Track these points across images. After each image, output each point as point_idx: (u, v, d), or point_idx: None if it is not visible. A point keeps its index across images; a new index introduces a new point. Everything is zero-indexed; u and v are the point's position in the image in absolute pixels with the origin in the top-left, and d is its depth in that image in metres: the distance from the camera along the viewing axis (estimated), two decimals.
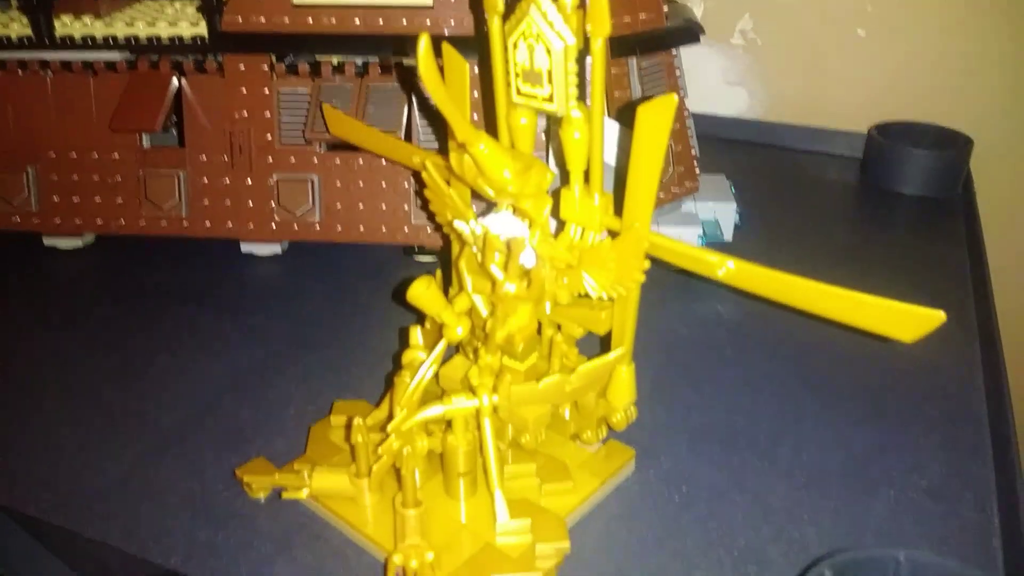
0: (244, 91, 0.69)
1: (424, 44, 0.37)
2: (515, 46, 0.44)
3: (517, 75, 0.45)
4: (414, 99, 0.68)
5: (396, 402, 0.46)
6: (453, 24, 0.66)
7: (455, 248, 0.52)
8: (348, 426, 0.50)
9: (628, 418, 0.50)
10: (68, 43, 0.69)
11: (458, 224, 0.47)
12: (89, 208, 0.72)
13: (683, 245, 0.43)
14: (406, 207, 0.71)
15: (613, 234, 0.44)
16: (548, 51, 0.42)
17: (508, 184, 0.43)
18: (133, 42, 0.69)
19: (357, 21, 0.66)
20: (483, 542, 0.45)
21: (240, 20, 0.67)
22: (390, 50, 0.67)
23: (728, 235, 0.77)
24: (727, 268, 0.42)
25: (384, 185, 0.70)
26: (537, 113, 0.46)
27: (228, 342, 0.65)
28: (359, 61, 0.69)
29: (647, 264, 0.43)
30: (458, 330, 0.48)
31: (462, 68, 0.49)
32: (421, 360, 0.48)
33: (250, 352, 0.64)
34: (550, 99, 0.44)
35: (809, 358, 0.63)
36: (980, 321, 0.68)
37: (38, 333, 0.66)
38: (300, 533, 0.47)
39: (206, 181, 0.71)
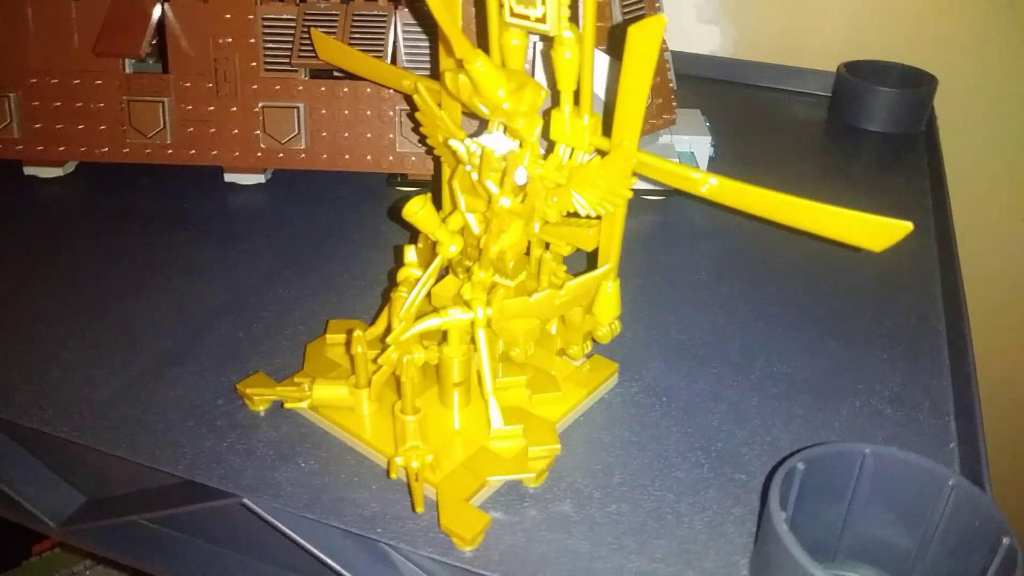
0: (228, 16, 0.68)
1: None
2: None
3: None
4: (398, 24, 0.69)
5: (394, 316, 0.48)
6: None
7: (446, 169, 0.54)
8: (347, 342, 0.52)
9: (612, 332, 0.52)
10: None
11: (452, 143, 0.49)
12: (72, 135, 0.72)
13: (669, 163, 0.46)
14: (391, 135, 0.72)
15: (601, 154, 0.46)
16: None
17: (503, 102, 0.44)
18: None
19: None
20: (478, 446, 0.47)
21: None
22: None
23: (703, 168, 0.79)
24: (710, 184, 0.44)
25: (369, 113, 0.71)
26: (528, 34, 0.48)
27: (219, 267, 0.66)
28: None
29: (634, 181, 0.45)
30: (451, 248, 0.50)
31: None
32: (416, 277, 0.50)
33: (242, 276, 0.65)
34: (543, 19, 0.45)
35: (780, 280, 0.67)
36: (939, 242, 0.72)
37: (25, 261, 0.67)
38: (302, 442, 0.50)
39: (190, 108, 0.71)
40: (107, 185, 0.77)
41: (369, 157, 0.72)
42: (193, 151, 0.72)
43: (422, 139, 0.54)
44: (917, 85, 0.95)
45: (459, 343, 0.48)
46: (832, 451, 0.42)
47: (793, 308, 0.63)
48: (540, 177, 0.46)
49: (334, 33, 0.67)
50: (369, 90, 0.71)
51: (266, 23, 0.69)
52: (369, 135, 0.72)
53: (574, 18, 0.45)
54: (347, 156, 0.72)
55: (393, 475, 0.46)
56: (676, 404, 0.53)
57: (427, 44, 0.69)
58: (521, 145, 0.47)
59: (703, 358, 0.58)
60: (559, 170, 0.46)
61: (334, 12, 0.67)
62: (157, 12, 0.68)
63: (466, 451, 0.47)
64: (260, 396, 0.51)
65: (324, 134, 0.72)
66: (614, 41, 0.71)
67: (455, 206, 0.50)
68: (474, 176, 0.48)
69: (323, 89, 0.71)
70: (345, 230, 0.72)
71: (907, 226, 0.40)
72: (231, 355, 0.57)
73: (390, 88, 0.69)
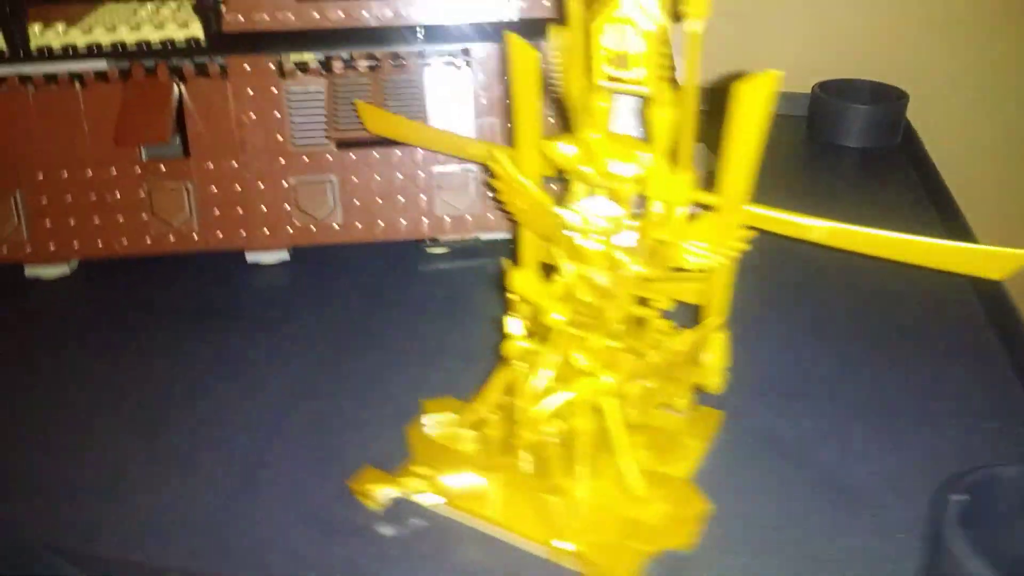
0: (250, 92, 0.66)
1: None
2: (601, 30, 0.45)
3: (603, 59, 0.46)
4: (427, 89, 0.68)
5: (519, 394, 0.46)
6: (463, 11, 0.66)
7: (525, 233, 0.53)
8: (461, 423, 0.51)
9: (724, 381, 0.52)
10: (47, 54, 0.64)
11: (560, 211, 0.48)
12: (87, 231, 0.68)
13: (780, 213, 0.46)
14: (424, 199, 0.70)
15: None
16: (641, 34, 0.44)
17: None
18: (120, 49, 0.65)
19: (366, 14, 0.65)
20: (622, 518, 0.46)
21: (242, 19, 0.64)
22: (405, 40, 0.65)
23: None
24: (822, 230, 0.45)
25: (400, 177, 0.69)
26: (612, 95, 0.48)
27: (270, 356, 0.62)
28: (375, 54, 0.68)
29: (749, 234, 0.46)
30: (554, 315, 0.49)
31: (532, 57, 0.49)
32: (526, 350, 0.49)
33: (301, 362, 0.62)
34: (641, 81, 0.45)
35: (832, 308, 0.68)
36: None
37: (61, 375, 0.62)
38: (439, 538, 0.47)
39: (215, 190, 0.67)
40: (115, 279, 0.72)
41: (403, 222, 0.70)
42: (221, 234, 0.68)
43: (500, 206, 0.53)
44: (889, 100, 1.00)
45: (588, 414, 0.47)
46: (998, 474, 0.43)
47: (853, 335, 0.64)
48: (651, 236, 0.46)
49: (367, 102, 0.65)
50: (399, 153, 0.69)
51: (293, 96, 0.66)
52: (402, 199, 0.70)
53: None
54: (381, 223, 0.70)
55: (562, 560, 0.44)
56: (786, 445, 0.53)
57: (461, 103, 0.68)
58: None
59: (793, 394, 0.58)
60: (659, 226, 0.46)
61: (364, 81, 0.66)
62: (176, 92, 0.65)
63: (616, 525, 0.46)
64: (377, 492, 0.49)
65: (356, 203, 0.69)
66: None
67: (558, 272, 0.49)
68: (586, 243, 0.47)
69: (352, 156, 0.68)
70: (390, 298, 0.69)
71: None
72: (321, 450, 0.54)
73: (426, 150, 0.68)
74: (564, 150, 0.45)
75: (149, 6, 0.71)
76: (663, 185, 0.46)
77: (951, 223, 0.80)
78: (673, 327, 0.51)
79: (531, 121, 0.49)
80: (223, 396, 0.59)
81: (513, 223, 0.57)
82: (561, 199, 0.51)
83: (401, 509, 0.49)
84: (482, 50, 0.67)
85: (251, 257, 0.72)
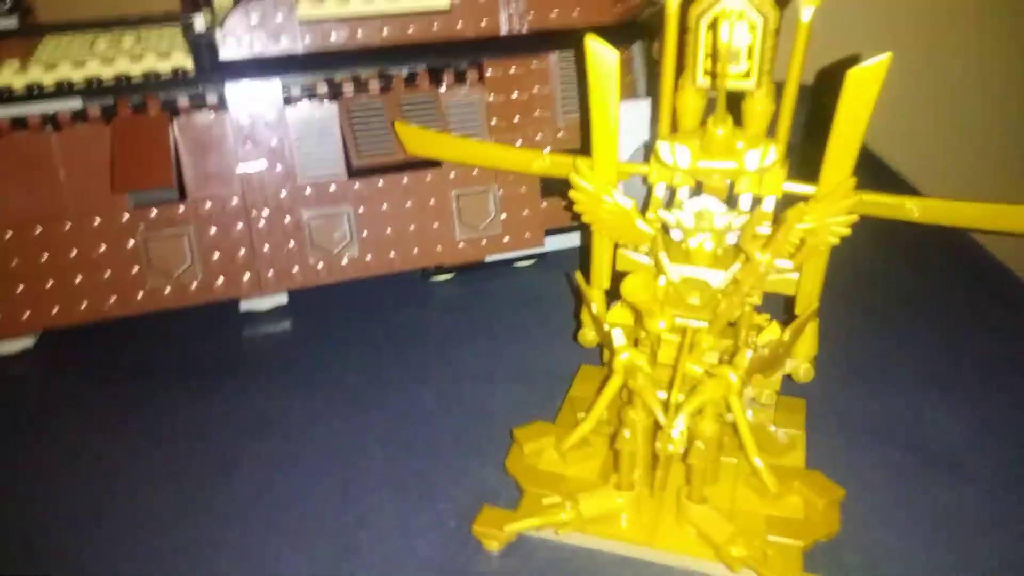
0: (249, 122, 0.60)
1: None
2: (709, 27, 0.45)
3: (707, 55, 0.46)
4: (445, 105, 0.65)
5: (652, 403, 0.45)
6: (472, 26, 0.64)
7: (602, 241, 0.51)
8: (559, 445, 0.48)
9: (810, 372, 0.53)
10: (8, 96, 0.56)
11: (663, 214, 0.47)
12: (67, 291, 0.59)
13: (883, 196, 0.47)
14: (436, 225, 0.67)
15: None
16: (752, 27, 0.44)
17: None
18: (97, 85, 0.57)
19: (360, 33, 0.61)
20: (763, 517, 0.45)
21: (238, 46, 0.58)
22: (415, 59, 0.62)
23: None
24: (918, 206, 0.47)
25: (409, 204, 0.66)
26: (703, 93, 0.48)
27: (316, 411, 0.57)
28: (389, 72, 0.64)
29: (855, 218, 0.46)
30: (660, 324, 0.48)
31: (610, 62, 0.47)
32: (637, 359, 0.47)
33: (348, 414, 0.56)
34: (747, 75, 0.45)
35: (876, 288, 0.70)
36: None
37: (62, 461, 0.53)
38: (581, 564, 0.44)
39: (215, 232, 0.61)
40: (86, 346, 0.63)
41: (416, 251, 0.67)
42: (222, 281, 0.62)
43: (575, 216, 0.52)
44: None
45: (715, 417, 0.46)
46: None
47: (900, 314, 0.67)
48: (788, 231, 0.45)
49: (385, 126, 0.62)
50: (406, 180, 0.65)
51: (300, 125, 0.61)
52: (413, 227, 0.66)
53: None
54: (393, 254, 0.66)
55: (737, 569, 0.42)
56: (872, 422, 0.54)
57: (476, 121, 0.65)
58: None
59: (860, 375, 0.59)
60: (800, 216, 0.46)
61: (378, 104, 0.62)
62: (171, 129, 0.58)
63: (764, 526, 0.45)
64: (501, 532, 0.45)
65: (365, 234, 0.65)
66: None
67: (660, 275, 0.48)
68: (692, 242, 0.46)
69: (357, 186, 0.64)
70: (415, 332, 0.65)
71: None
72: (413, 497, 0.49)
73: (434, 171, 0.65)
74: (679, 151, 0.45)
75: (105, 38, 0.63)
76: (775, 178, 0.46)
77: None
78: (768, 319, 0.51)
79: (608, 129, 0.48)
80: (271, 458, 0.53)
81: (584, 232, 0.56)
82: (645, 206, 0.50)
83: (522, 545, 0.46)
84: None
85: (245, 305, 0.66)
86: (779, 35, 0.45)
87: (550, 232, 0.71)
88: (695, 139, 0.45)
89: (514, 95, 0.66)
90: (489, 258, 0.71)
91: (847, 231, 0.46)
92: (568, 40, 0.65)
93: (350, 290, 0.69)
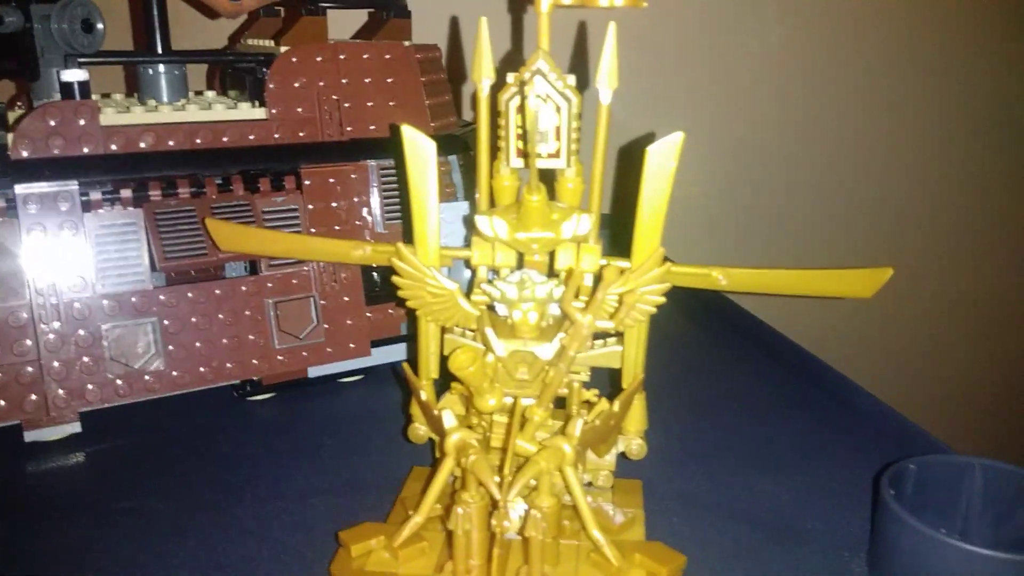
0: (43, 234, 0.55)
1: None
2: (518, 110, 0.47)
3: (519, 137, 0.48)
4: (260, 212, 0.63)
5: (486, 479, 0.42)
6: (290, 136, 0.64)
7: (427, 326, 0.50)
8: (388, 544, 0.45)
9: (644, 446, 0.52)
10: None
11: (487, 288, 0.46)
12: None
13: (691, 268, 0.49)
14: (251, 336, 0.63)
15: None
16: (558, 109, 0.46)
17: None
18: None
19: (171, 142, 0.60)
20: None
21: (32, 147, 0.55)
22: (229, 163, 0.61)
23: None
24: (729, 277, 0.49)
25: (222, 316, 0.62)
26: (517, 174, 0.49)
27: (114, 542, 0.50)
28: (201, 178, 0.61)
29: (667, 286, 0.48)
30: (491, 401, 0.47)
31: (428, 149, 0.48)
32: (473, 438, 0.45)
33: (152, 543, 0.50)
34: (557, 154, 0.48)
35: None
36: None
37: None
38: None
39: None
40: None
41: (231, 365, 0.62)
42: (2, 405, 0.54)
43: (400, 302, 0.50)
44: None
45: (551, 490, 0.45)
46: (942, 460, 0.48)
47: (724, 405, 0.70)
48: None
49: (194, 230, 0.59)
50: (219, 291, 0.62)
51: (99, 231, 0.57)
52: (225, 341, 0.62)
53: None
54: (203, 369, 0.61)
55: None
56: (703, 499, 0.55)
57: (296, 228, 0.64)
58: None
59: (692, 458, 0.60)
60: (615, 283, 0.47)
61: (188, 208, 0.59)
62: None
63: None
64: None
65: (171, 348, 0.60)
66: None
67: (488, 352, 0.47)
68: (517, 314, 0.46)
69: (162, 298, 0.60)
70: (230, 453, 0.60)
71: (888, 271, 0.50)
72: None
73: (249, 280, 0.62)
74: (497, 224, 0.45)
75: None
76: (592, 254, 0.48)
77: None
78: (597, 395, 0.51)
79: (428, 213, 0.48)
80: None
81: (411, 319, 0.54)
82: (470, 289, 0.50)
83: None
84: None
85: (30, 436, 0.58)
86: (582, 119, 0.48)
87: (377, 343, 0.69)
88: (512, 213, 0.46)
89: (333, 203, 0.65)
90: (312, 373, 0.67)
91: (662, 299, 0.48)
92: (385, 149, 0.66)
93: (156, 409, 0.63)
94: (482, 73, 0.47)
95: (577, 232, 0.46)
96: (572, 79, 0.46)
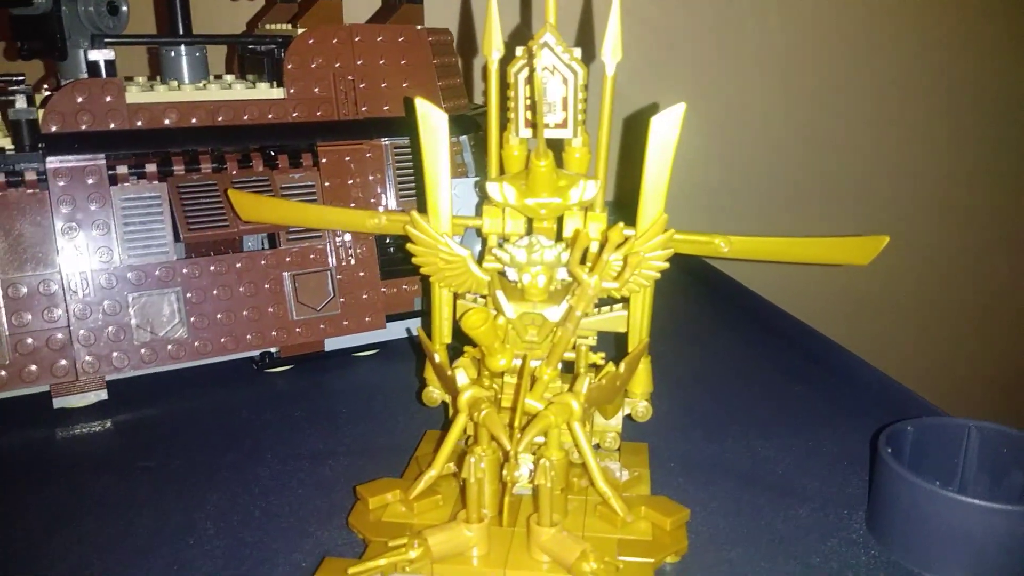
0: (72, 206, 0.58)
1: None
2: (527, 81, 0.49)
3: (527, 108, 0.49)
4: (278, 188, 0.65)
5: (498, 432, 0.44)
6: (307, 115, 0.66)
7: (441, 292, 0.52)
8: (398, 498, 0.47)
9: (649, 409, 0.54)
10: None
11: (497, 252, 0.48)
12: None
13: (695, 234, 0.51)
14: (271, 309, 0.65)
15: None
16: (564, 80, 0.48)
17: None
18: None
19: (194, 119, 0.62)
20: (615, 540, 0.45)
21: (62, 122, 0.57)
22: (249, 139, 0.63)
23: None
24: (726, 245, 0.51)
25: (243, 289, 0.64)
26: (526, 143, 0.51)
27: (140, 497, 0.52)
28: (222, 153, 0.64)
29: (670, 253, 0.50)
30: (502, 361, 0.49)
31: (441, 119, 0.50)
32: (485, 394, 0.47)
33: (176, 498, 0.52)
34: (564, 124, 0.50)
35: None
36: None
37: None
38: None
39: (25, 320, 0.57)
40: None
41: (251, 336, 0.65)
42: (34, 369, 0.57)
43: (415, 269, 0.52)
44: None
45: (559, 445, 0.47)
46: (938, 423, 0.50)
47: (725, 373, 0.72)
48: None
49: (215, 204, 0.61)
50: (239, 264, 0.64)
51: (125, 205, 0.59)
52: (246, 312, 0.65)
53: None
54: (224, 340, 0.64)
55: None
56: (706, 461, 0.57)
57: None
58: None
59: (696, 423, 0.62)
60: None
61: (210, 182, 0.61)
62: None
63: (615, 549, 0.44)
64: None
65: (195, 320, 0.63)
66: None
67: (499, 315, 0.49)
68: (526, 278, 0.48)
69: (185, 270, 0.62)
70: (250, 418, 0.62)
71: (885, 238, 0.51)
72: (252, 564, 0.45)
73: (269, 253, 0.65)
74: (507, 189, 0.47)
75: None
76: (598, 221, 0.50)
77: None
78: (604, 357, 0.53)
79: (440, 181, 0.50)
80: (93, 542, 0.47)
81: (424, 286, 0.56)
82: (481, 257, 0.52)
83: None
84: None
85: (59, 402, 0.61)
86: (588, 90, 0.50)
87: (392, 318, 0.71)
88: (521, 180, 0.48)
89: (349, 180, 0.68)
90: (329, 346, 0.70)
91: (665, 264, 0.50)
92: (399, 129, 0.68)
93: (178, 382, 0.65)
94: (492, 46, 0.49)
95: (583, 197, 0.47)
96: (578, 52, 0.48)
